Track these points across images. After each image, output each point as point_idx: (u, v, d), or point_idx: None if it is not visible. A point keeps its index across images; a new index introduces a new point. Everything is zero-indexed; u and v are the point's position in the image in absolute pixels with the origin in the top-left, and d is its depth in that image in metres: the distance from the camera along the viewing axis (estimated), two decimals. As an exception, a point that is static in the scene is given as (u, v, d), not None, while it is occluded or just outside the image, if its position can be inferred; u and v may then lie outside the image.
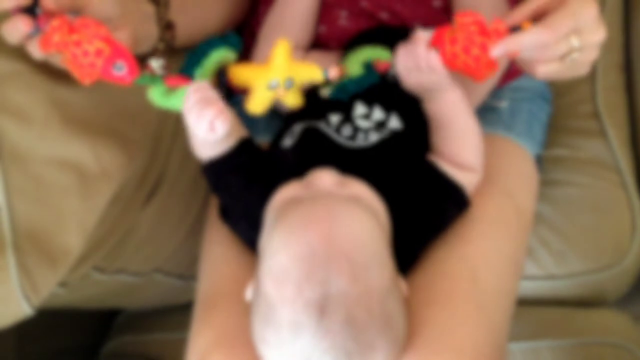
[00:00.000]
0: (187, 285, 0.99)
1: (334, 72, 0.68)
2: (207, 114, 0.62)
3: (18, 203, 0.64)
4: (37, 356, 1.09)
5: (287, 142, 0.74)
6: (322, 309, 0.57)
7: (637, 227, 1.02)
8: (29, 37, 0.61)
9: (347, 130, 0.73)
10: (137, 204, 0.84)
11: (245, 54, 0.86)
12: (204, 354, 0.69)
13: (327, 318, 0.57)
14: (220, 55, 0.65)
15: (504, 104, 0.90)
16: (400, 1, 0.80)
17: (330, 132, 0.73)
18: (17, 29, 0.60)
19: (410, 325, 0.64)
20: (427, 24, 0.78)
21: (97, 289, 0.89)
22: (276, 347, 0.60)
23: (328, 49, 0.83)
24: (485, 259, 0.72)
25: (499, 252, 0.74)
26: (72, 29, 0.60)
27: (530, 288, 1.03)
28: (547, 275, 1.02)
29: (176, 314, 1.07)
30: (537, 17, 0.63)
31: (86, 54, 0.60)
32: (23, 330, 0.78)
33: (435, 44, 0.66)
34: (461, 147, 0.72)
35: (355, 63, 0.71)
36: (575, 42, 0.62)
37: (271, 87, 0.66)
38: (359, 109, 0.74)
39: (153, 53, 0.72)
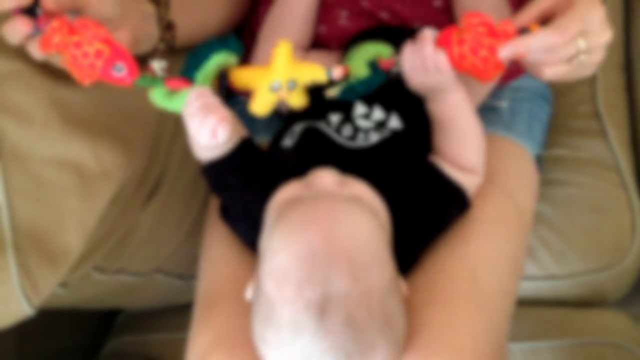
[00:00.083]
0: (187, 285, 0.99)
1: (338, 72, 0.68)
2: (210, 122, 0.62)
3: (18, 203, 0.64)
4: (37, 356, 1.09)
5: (287, 142, 0.74)
6: (322, 309, 0.57)
7: (637, 227, 1.02)
8: (29, 37, 0.61)
9: (347, 131, 0.73)
10: (137, 204, 0.84)
11: (246, 54, 0.86)
12: (203, 354, 0.69)
13: (327, 318, 0.57)
14: (221, 58, 0.65)
15: (504, 104, 0.90)
16: (401, 1, 0.80)
17: (330, 132, 0.73)
18: (18, 30, 0.60)
19: (410, 325, 0.64)
20: (427, 23, 0.78)
21: (97, 289, 0.89)
22: (276, 347, 0.60)
23: (328, 49, 0.83)
24: (485, 259, 0.72)
25: (499, 252, 0.74)
26: (72, 30, 0.60)
27: (531, 288, 1.03)
28: (547, 275, 1.02)
29: (176, 314, 1.07)
30: (544, 19, 0.63)
31: (86, 55, 0.60)
32: (23, 330, 0.78)
33: (441, 44, 0.65)
34: (464, 148, 0.71)
35: (359, 61, 0.70)
36: (582, 44, 0.62)
37: (273, 89, 0.66)
38: (359, 108, 0.74)
39: (153, 53, 0.72)
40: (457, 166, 0.71)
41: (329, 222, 0.60)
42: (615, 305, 1.08)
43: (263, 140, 0.85)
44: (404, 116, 0.73)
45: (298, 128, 0.75)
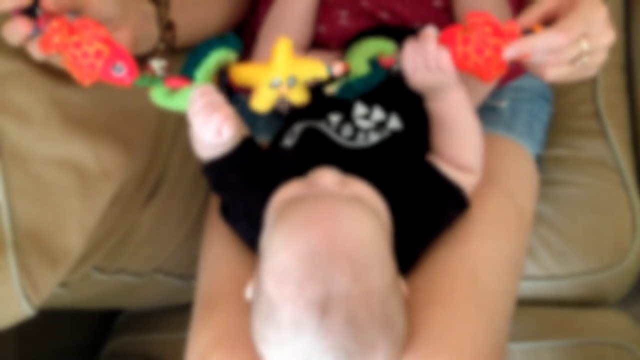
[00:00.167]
0: (188, 285, 0.99)
1: (338, 68, 0.67)
2: (214, 120, 0.62)
3: (18, 203, 0.64)
4: (37, 356, 1.09)
5: (288, 141, 0.74)
6: (323, 308, 0.57)
7: (637, 227, 1.02)
8: (30, 38, 0.61)
9: (347, 131, 0.73)
10: (138, 204, 0.84)
11: (246, 53, 0.86)
12: (203, 354, 0.69)
13: (328, 318, 0.57)
14: (221, 56, 0.65)
15: (504, 104, 0.90)
16: (401, 1, 0.80)
17: (330, 132, 0.73)
18: (18, 30, 0.60)
19: (410, 325, 0.64)
20: (427, 23, 0.78)
21: (97, 289, 0.89)
22: (277, 347, 0.60)
23: (328, 49, 0.83)
24: (485, 259, 0.72)
25: (499, 252, 0.74)
26: (71, 30, 0.60)
27: (531, 288, 1.03)
28: (548, 276, 1.02)
29: (176, 314, 1.07)
30: (547, 20, 0.63)
31: (86, 55, 0.60)
32: (23, 330, 0.78)
33: (445, 42, 0.65)
34: (462, 147, 0.71)
35: (360, 58, 0.70)
36: (585, 45, 0.62)
37: (274, 86, 0.66)
38: (359, 109, 0.74)
39: (153, 53, 0.72)
40: (455, 165, 0.71)
41: (330, 222, 0.60)
42: (616, 305, 1.08)
43: (263, 139, 0.85)
44: (403, 116, 0.73)
45: (298, 128, 0.75)
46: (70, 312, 0.97)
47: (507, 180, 0.80)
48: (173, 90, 0.65)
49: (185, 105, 0.65)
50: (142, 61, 0.65)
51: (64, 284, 0.80)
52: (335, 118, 0.74)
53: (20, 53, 0.63)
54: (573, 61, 0.63)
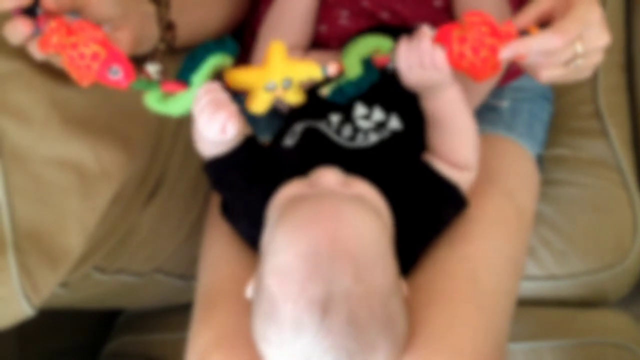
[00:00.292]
0: (188, 285, 0.99)
1: (332, 69, 0.67)
2: (219, 117, 0.62)
3: (18, 203, 0.64)
4: (38, 356, 1.09)
5: (288, 141, 0.74)
6: (324, 307, 0.57)
7: (638, 227, 1.01)
8: (30, 37, 0.61)
9: (347, 131, 0.73)
10: (138, 204, 0.84)
11: (246, 53, 0.86)
12: (203, 354, 0.69)
13: (329, 317, 0.57)
14: (217, 60, 0.65)
15: (504, 104, 0.89)
16: (401, 1, 0.80)
17: (330, 132, 0.73)
18: (18, 30, 0.60)
19: (411, 325, 0.64)
20: (428, 23, 0.78)
21: (97, 289, 0.89)
22: (277, 346, 0.60)
23: (328, 49, 0.83)
24: (485, 259, 0.72)
25: (499, 253, 0.74)
26: (69, 31, 0.60)
27: (532, 288, 1.03)
28: (549, 276, 1.02)
29: (177, 314, 1.07)
30: (543, 21, 0.63)
31: (82, 57, 0.60)
32: (24, 330, 0.78)
33: (440, 41, 0.65)
34: (457, 144, 0.71)
35: (354, 57, 0.69)
36: (579, 48, 0.62)
37: (269, 89, 0.66)
38: (359, 109, 0.74)
39: (154, 53, 0.72)
40: (451, 163, 0.71)
41: (332, 222, 0.60)
42: (617, 305, 1.08)
43: (263, 139, 0.85)
44: (403, 117, 0.73)
45: (298, 128, 0.75)
46: (70, 312, 0.97)
47: (507, 180, 0.80)
48: (168, 95, 0.65)
49: (179, 110, 0.65)
50: (141, 61, 0.65)
51: (64, 284, 0.79)
52: (335, 118, 0.74)
53: (20, 53, 0.63)
54: (567, 63, 0.63)
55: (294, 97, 0.68)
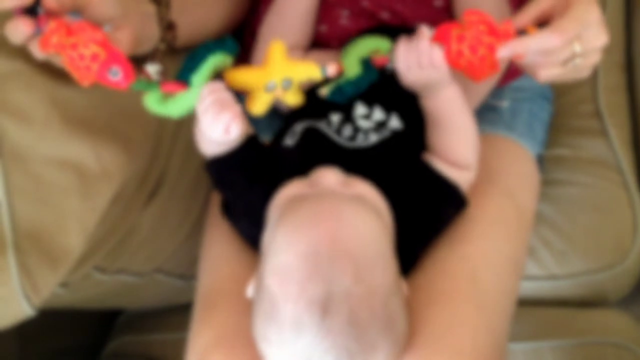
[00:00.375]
0: (188, 285, 0.99)
1: (332, 69, 0.67)
2: (223, 118, 0.62)
3: (18, 203, 0.64)
4: (38, 356, 1.09)
5: (289, 141, 0.74)
6: (325, 307, 0.57)
7: (638, 226, 1.01)
8: (31, 37, 0.61)
9: (347, 131, 0.73)
10: (138, 204, 0.84)
11: (246, 53, 0.86)
12: (203, 354, 0.69)
13: (329, 317, 0.57)
14: (217, 60, 0.65)
15: (505, 104, 0.90)
16: (401, 1, 0.80)
17: (330, 132, 0.73)
18: (20, 30, 0.60)
19: (411, 325, 0.64)
20: (428, 23, 0.78)
21: (98, 289, 0.89)
22: (277, 345, 0.60)
23: (329, 49, 0.83)
24: (485, 259, 0.72)
25: (499, 252, 0.74)
26: (69, 32, 0.60)
27: (532, 288, 1.03)
28: (549, 276, 1.02)
29: (177, 314, 1.07)
30: (542, 20, 0.63)
31: (82, 58, 0.60)
32: (24, 330, 0.78)
33: (439, 39, 0.65)
34: (456, 144, 0.71)
35: (353, 58, 0.69)
36: (577, 47, 0.62)
37: (268, 89, 0.66)
38: (360, 109, 0.74)
39: (154, 53, 0.72)
40: (450, 162, 0.71)
41: (332, 222, 0.60)
42: (617, 305, 1.08)
43: (264, 139, 0.85)
44: (404, 116, 0.73)
45: (299, 127, 0.75)
46: (70, 312, 0.97)
47: (507, 180, 0.80)
48: (167, 96, 0.65)
49: (178, 112, 0.65)
50: (141, 61, 0.65)
51: (64, 284, 0.80)
52: (335, 118, 0.74)
53: (20, 53, 0.63)
54: (565, 63, 0.63)
55: (293, 98, 0.68)
